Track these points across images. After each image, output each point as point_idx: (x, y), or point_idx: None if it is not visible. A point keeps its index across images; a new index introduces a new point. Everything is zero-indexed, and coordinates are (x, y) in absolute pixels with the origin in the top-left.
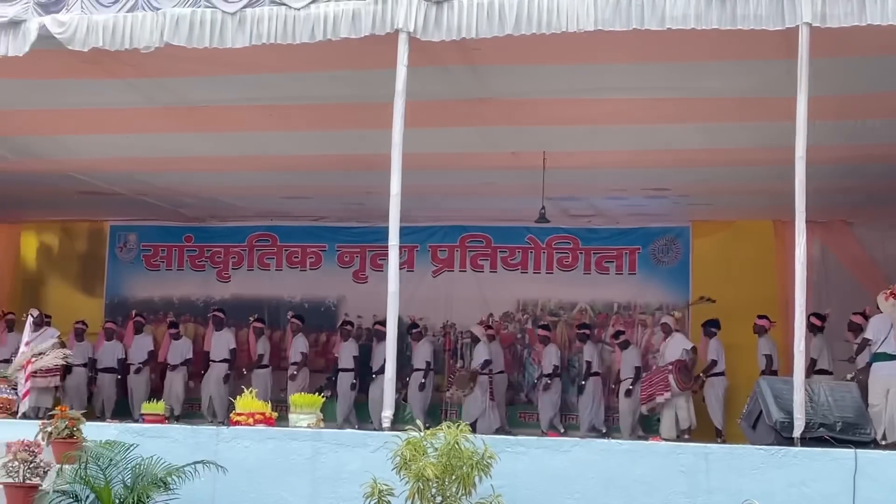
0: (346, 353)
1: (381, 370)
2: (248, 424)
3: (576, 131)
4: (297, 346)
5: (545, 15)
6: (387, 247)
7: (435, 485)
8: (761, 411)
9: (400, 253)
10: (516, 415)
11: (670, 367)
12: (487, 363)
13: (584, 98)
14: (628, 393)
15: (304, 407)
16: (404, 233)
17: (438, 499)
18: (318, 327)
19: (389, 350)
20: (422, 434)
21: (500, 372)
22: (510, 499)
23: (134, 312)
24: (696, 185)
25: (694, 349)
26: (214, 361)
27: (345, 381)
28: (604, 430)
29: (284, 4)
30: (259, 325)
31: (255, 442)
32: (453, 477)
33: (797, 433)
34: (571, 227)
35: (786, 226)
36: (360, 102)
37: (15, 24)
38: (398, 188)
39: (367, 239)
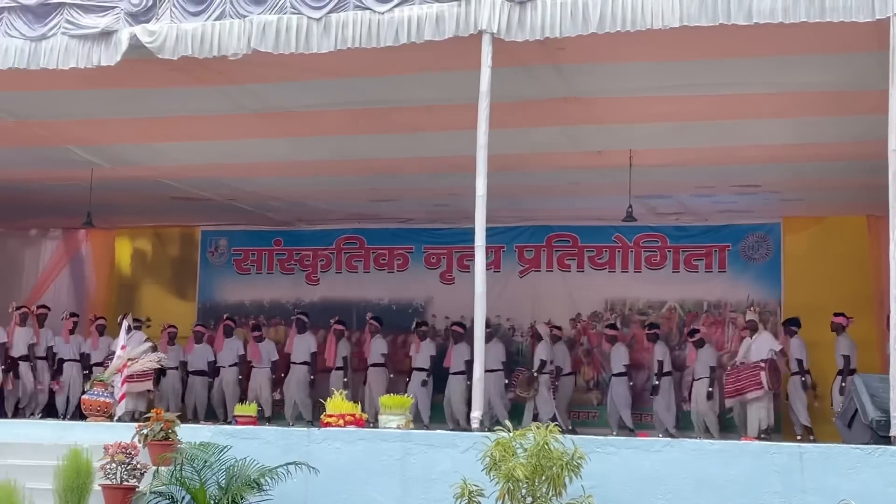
0: (424, 353)
1: (457, 371)
2: (339, 426)
3: (663, 129)
4: (377, 348)
5: (629, 12)
6: (473, 248)
7: (525, 485)
8: (857, 410)
9: (486, 254)
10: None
11: (763, 364)
12: (543, 364)
13: (670, 95)
14: (710, 395)
15: (394, 408)
16: (490, 233)
17: (529, 499)
18: (406, 329)
19: (477, 351)
20: (511, 434)
21: (569, 374)
22: (601, 499)
23: (224, 316)
24: (787, 180)
25: (782, 351)
26: (295, 364)
27: (417, 380)
28: (673, 432)
29: (368, 9)
30: (339, 327)
31: (346, 443)
32: (543, 477)
33: (894, 432)
34: (659, 226)
35: (879, 221)
36: (445, 104)
37: (107, 34)
38: (484, 189)
39: (454, 240)
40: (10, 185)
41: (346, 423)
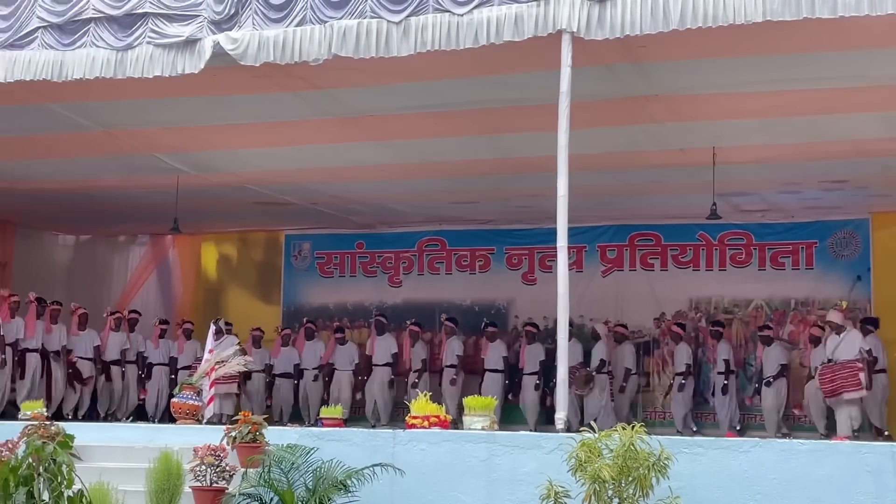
0: (495, 354)
1: (531, 372)
2: (424, 427)
3: (747, 125)
4: (452, 349)
5: (711, 8)
6: (555, 248)
7: (611, 486)
8: None
9: (568, 254)
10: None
11: (860, 363)
12: (603, 363)
13: (754, 91)
14: (768, 384)
15: (478, 409)
16: (572, 233)
17: (615, 501)
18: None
19: (561, 351)
20: (596, 435)
21: (635, 373)
22: (689, 500)
23: (305, 319)
24: (876, 175)
25: (869, 350)
26: (377, 366)
27: (490, 382)
28: (738, 428)
29: (448, 11)
30: (415, 328)
31: (431, 444)
32: (630, 478)
33: None
34: (744, 223)
35: None
36: (525, 105)
37: (190, 42)
38: (565, 189)
39: (536, 240)
40: (99, 193)
41: (431, 425)
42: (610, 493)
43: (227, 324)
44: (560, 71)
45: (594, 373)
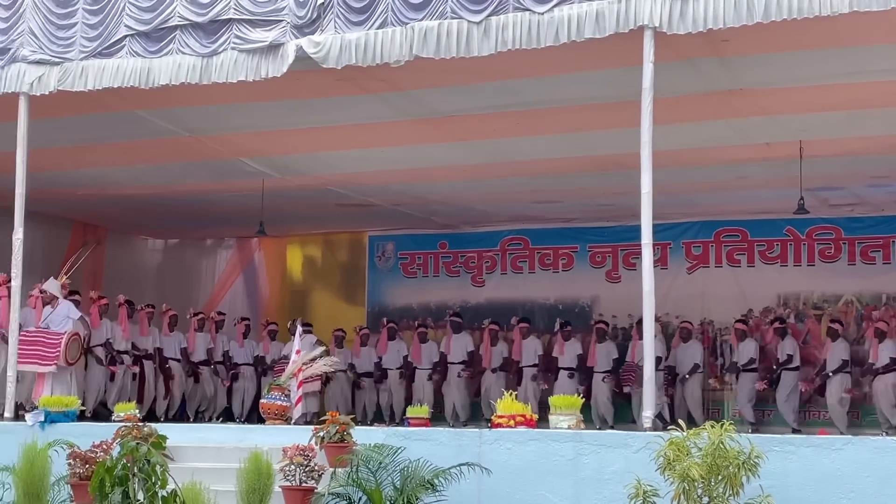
0: (570, 352)
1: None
2: (510, 426)
3: (834, 118)
4: (532, 349)
5: (796, 0)
6: (639, 245)
7: (700, 485)
8: None
9: (653, 251)
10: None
11: None
12: (659, 360)
13: (842, 83)
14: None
15: (564, 408)
16: (656, 230)
17: (705, 499)
18: (580, 328)
19: (647, 349)
20: (684, 434)
21: (702, 371)
22: (780, 499)
23: (386, 319)
24: None
25: None
26: (453, 364)
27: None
28: (795, 426)
29: (528, 10)
30: (494, 327)
31: (517, 444)
32: (720, 477)
33: None
34: (832, 217)
35: None
36: (607, 102)
37: (274, 47)
38: (649, 186)
39: (619, 238)
40: (186, 197)
41: (517, 424)
42: (699, 491)
43: (305, 324)
44: (642, 67)
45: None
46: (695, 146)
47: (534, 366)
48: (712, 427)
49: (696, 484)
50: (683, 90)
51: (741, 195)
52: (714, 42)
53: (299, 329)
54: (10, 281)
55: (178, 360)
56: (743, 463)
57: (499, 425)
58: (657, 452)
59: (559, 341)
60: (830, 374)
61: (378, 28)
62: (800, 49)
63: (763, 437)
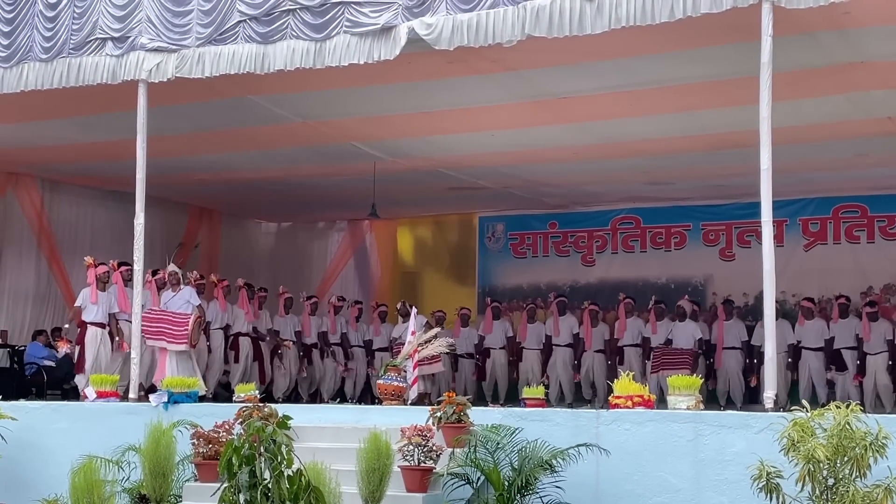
0: (661, 332)
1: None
2: (628, 407)
3: None
4: (634, 328)
5: None
6: (754, 222)
7: (826, 466)
8: None
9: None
10: None
11: None
12: (701, 342)
13: None
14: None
15: (683, 389)
16: (773, 207)
17: (830, 481)
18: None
19: (768, 330)
20: (808, 414)
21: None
22: None
23: (489, 300)
24: None
25: None
26: (559, 346)
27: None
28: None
29: None
30: (594, 307)
31: (636, 424)
32: (845, 458)
33: None
34: None
35: None
36: (722, 80)
37: (386, 30)
38: (768, 163)
39: (733, 216)
40: (299, 181)
41: (635, 405)
42: (825, 473)
43: (409, 306)
44: (758, 42)
45: (699, 352)
46: (813, 121)
47: (635, 345)
48: (837, 408)
49: (821, 465)
50: (802, 64)
51: (861, 171)
52: (833, 15)
53: (414, 310)
54: (121, 266)
55: (293, 342)
56: (870, 444)
57: (616, 406)
58: (780, 433)
59: (651, 320)
60: (885, 356)
61: (489, 8)
62: None
63: (890, 417)
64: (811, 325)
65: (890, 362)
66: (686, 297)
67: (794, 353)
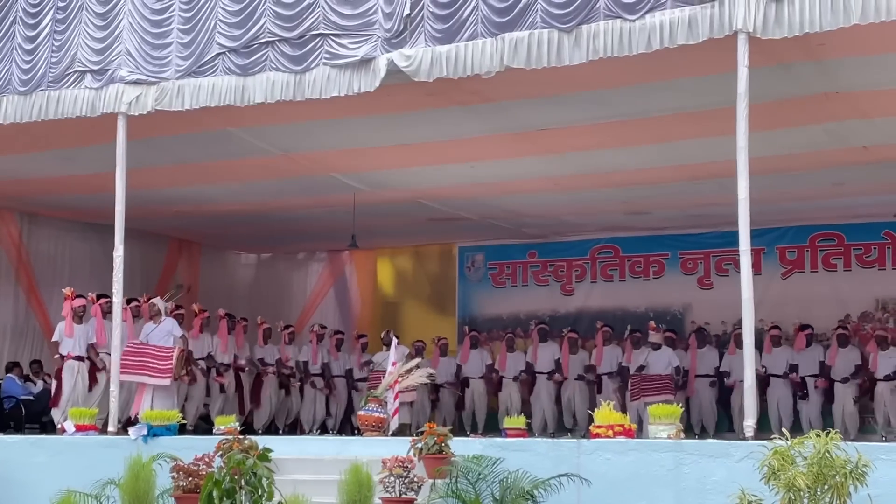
0: (636, 360)
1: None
2: (608, 437)
3: None
4: (610, 356)
5: (894, 1)
6: (732, 251)
7: (807, 495)
8: None
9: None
10: None
11: None
12: (679, 370)
13: None
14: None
15: (664, 417)
16: (751, 236)
17: None
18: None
19: (747, 357)
20: (788, 443)
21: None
22: None
23: (467, 329)
24: None
25: None
26: (540, 374)
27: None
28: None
29: (619, 17)
30: (573, 335)
31: (617, 454)
32: (826, 486)
33: None
34: None
35: None
36: (699, 111)
37: (366, 62)
38: (746, 192)
39: (711, 245)
40: (279, 213)
41: (616, 434)
42: (805, 501)
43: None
44: (734, 73)
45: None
46: (790, 151)
47: (610, 374)
48: (817, 436)
49: (801, 494)
50: (778, 95)
51: (837, 200)
52: (809, 45)
53: (395, 340)
54: (100, 299)
55: (274, 373)
56: (850, 472)
57: (597, 435)
58: (761, 462)
59: (627, 349)
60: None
61: (468, 40)
62: None
63: (870, 444)
64: (778, 352)
65: (856, 394)
66: (651, 322)
67: (761, 382)
